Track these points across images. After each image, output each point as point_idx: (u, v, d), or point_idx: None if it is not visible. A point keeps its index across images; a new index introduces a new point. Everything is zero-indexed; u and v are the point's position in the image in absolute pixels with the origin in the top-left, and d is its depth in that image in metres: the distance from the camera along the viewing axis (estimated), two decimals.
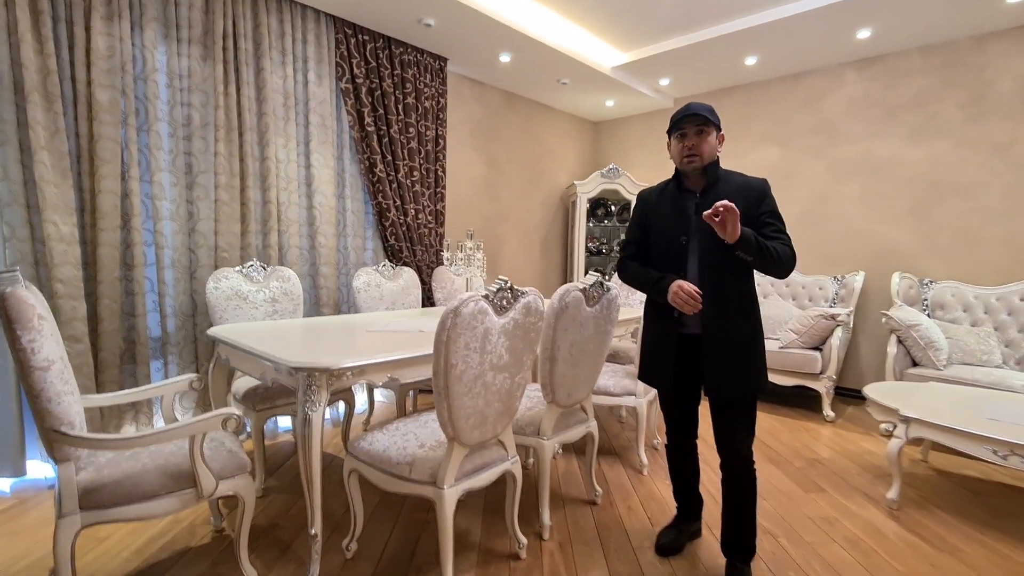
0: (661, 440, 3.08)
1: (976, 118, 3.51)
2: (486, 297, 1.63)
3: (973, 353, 3.16)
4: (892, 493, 2.35)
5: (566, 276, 5.65)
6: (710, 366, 1.69)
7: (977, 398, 2.50)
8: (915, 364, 3.23)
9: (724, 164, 5.25)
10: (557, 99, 5.10)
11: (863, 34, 3.55)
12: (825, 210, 4.18)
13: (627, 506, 2.35)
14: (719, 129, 1.73)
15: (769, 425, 3.43)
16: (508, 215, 4.99)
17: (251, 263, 2.73)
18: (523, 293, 1.76)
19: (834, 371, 3.45)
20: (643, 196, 1.93)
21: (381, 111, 3.62)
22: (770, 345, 3.74)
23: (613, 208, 5.52)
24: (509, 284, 1.71)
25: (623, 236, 1.97)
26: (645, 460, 2.69)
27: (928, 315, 3.46)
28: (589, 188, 5.18)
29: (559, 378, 2.08)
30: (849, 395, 4.05)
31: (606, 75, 4.36)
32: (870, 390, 2.64)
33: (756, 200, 1.69)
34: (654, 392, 2.84)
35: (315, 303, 3.39)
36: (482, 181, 4.71)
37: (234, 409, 1.62)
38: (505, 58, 4.05)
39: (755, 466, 1.73)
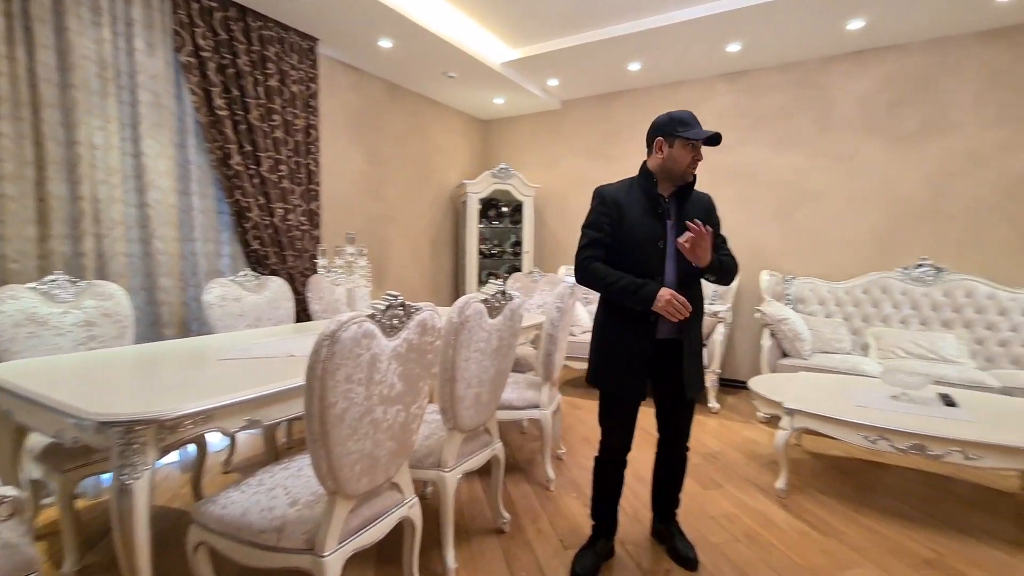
0: (565, 450, 2.97)
1: (825, 131, 3.92)
2: (372, 317, 1.33)
3: (829, 342, 3.50)
4: (780, 483, 2.46)
5: (458, 280, 5.41)
6: (688, 370, 1.76)
7: (842, 385, 2.72)
8: (785, 355, 3.49)
9: (614, 169, 5.27)
10: (444, 93, 4.83)
11: (732, 48, 3.78)
12: None
13: (537, 529, 2.18)
14: None
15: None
16: (395, 216, 4.61)
17: (54, 277, 2.10)
18: (417, 309, 1.49)
19: (718, 365, 3.62)
20: (610, 194, 1.75)
21: (236, 92, 3.08)
22: None
23: (505, 209, 5.39)
24: (400, 299, 1.42)
25: (586, 235, 1.76)
26: (552, 475, 2.55)
27: (792, 309, 3.79)
28: (480, 188, 4.99)
29: (461, 400, 1.84)
30: (728, 385, 4.32)
31: (495, 71, 4.19)
32: (755, 384, 2.76)
33: (709, 213, 1.79)
34: (558, 401, 2.72)
35: (152, 324, 2.76)
36: (363, 178, 4.28)
37: (9, 489, 1.14)
38: (385, 44, 3.69)
39: None
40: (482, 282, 5.33)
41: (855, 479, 2.65)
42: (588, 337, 3.98)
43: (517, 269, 5.36)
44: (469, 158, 5.55)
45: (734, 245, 4.14)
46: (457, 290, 5.43)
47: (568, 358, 3.86)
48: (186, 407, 1.32)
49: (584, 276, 1.75)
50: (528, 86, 4.61)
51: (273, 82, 3.30)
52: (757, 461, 2.86)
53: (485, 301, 1.88)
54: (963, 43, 3.47)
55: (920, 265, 3.56)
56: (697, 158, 1.67)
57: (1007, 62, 3.36)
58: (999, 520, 2.25)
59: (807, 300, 3.85)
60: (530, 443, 3.13)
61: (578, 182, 5.07)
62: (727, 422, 3.49)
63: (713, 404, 3.68)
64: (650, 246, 1.70)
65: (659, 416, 1.93)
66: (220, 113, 2.98)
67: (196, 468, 2.35)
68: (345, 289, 2.47)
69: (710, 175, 4.37)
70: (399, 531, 1.67)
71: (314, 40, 3.62)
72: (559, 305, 2.53)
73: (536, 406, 2.55)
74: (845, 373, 3.12)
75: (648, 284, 1.63)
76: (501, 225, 5.39)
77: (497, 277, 5.40)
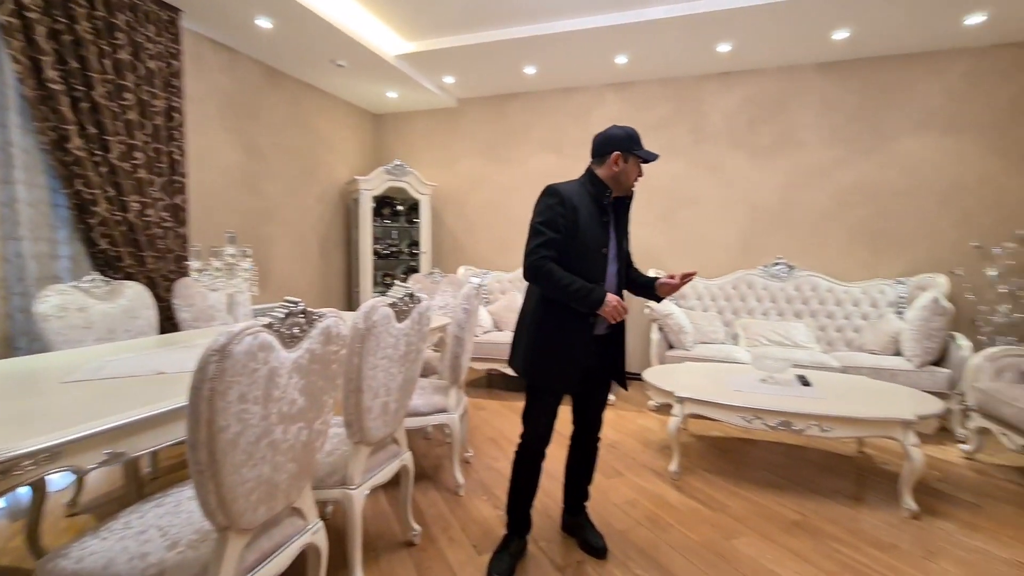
0: (472, 453, 2.93)
1: (699, 143, 4.33)
2: (269, 326, 1.18)
3: (707, 333, 3.87)
4: (673, 466, 2.65)
5: (351, 282, 5.12)
6: (621, 362, 1.95)
7: (720, 373, 3.01)
8: (671, 347, 3.79)
9: (510, 171, 5.31)
10: (333, 83, 4.53)
11: (620, 60, 4.01)
12: None
13: (448, 538, 2.12)
14: None
15: (564, 417, 3.61)
16: (276, 213, 4.23)
17: None
18: (319, 316, 1.36)
19: None
20: (565, 195, 1.73)
21: (75, 64, 2.60)
22: None
23: (400, 208, 5.21)
24: (301, 306, 1.29)
25: (541, 233, 1.73)
26: (461, 480, 2.50)
27: (676, 304, 4.11)
28: (374, 185, 4.76)
29: (368, 412, 1.72)
30: None
31: (389, 63, 4.02)
32: (648, 376, 2.95)
33: (628, 220, 1.91)
34: (465, 404, 2.67)
35: None
36: (238, 170, 3.87)
37: None
38: (264, 23, 3.36)
39: None
40: (377, 284, 5.10)
41: (732, 456, 2.94)
42: (491, 337, 3.99)
43: (414, 270, 5.21)
44: (360, 153, 5.27)
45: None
46: (351, 293, 5.14)
47: (472, 359, 3.82)
48: (23, 444, 1.07)
49: (537, 275, 1.72)
50: (424, 82, 4.50)
51: (124, 55, 2.84)
52: (651, 447, 3.06)
53: (392, 304, 1.78)
54: (806, 73, 4.03)
55: (776, 263, 4.08)
56: (640, 175, 1.82)
57: (839, 92, 3.96)
58: (843, 480, 2.63)
59: (687, 296, 4.22)
60: (435, 448, 3.04)
61: (475, 182, 5.06)
62: (622, 412, 3.70)
63: (609, 397, 3.87)
64: (596, 252, 1.76)
65: (577, 409, 2.02)
66: (53, 87, 2.49)
67: (32, 513, 1.94)
68: (224, 295, 2.19)
69: None
70: (302, 559, 1.52)
71: (175, 11, 3.18)
72: (465, 307, 2.48)
73: (444, 410, 2.48)
74: (721, 361, 3.46)
75: (596, 289, 1.69)
76: (397, 224, 5.20)
77: (393, 278, 5.20)
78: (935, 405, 2.36)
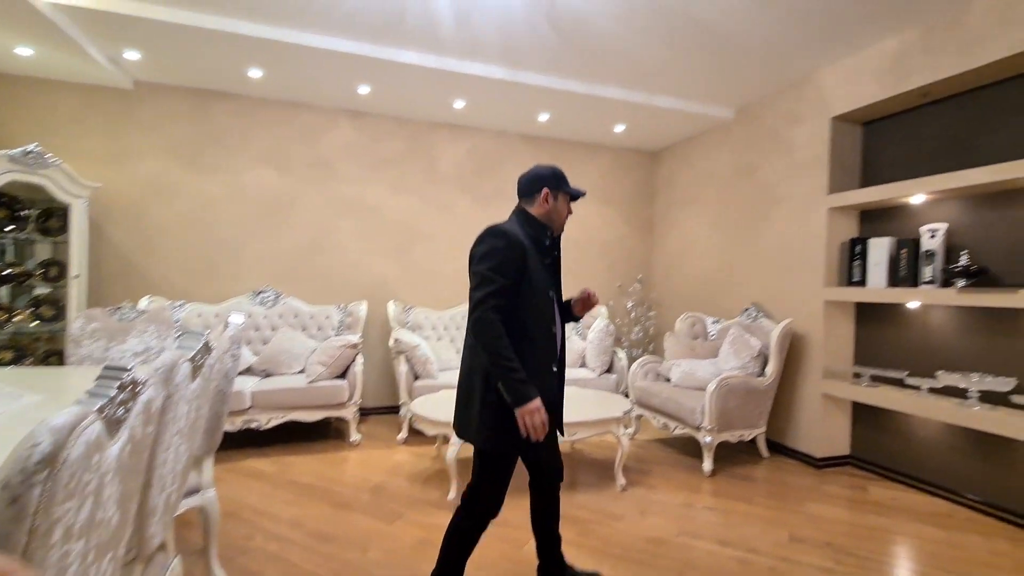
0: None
1: (431, 183, 4.63)
2: (101, 411, 0.77)
3: (445, 361, 4.13)
4: (452, 494, 2.74)
5: None
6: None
7: None
8: (417, 377, 3.88)
9: (215, 180, 4.61)
10: None
11: (362, 90, 3.96)
12: (327, 241, 4.36)
13: None
14: None
15: (309, 467, 3.21)
16: None
17: None
18: (142, 380, 0.94)
19: (359, 396, 3.64)
20: (518, 240, 1.63)
21: None
22: (297, 381, 3.52)
23: (27, 212, 3.61)
24: (133, 374, 0.87)
25: (491, 281, 1.56)
26: None
27: (419, 336, 4.24)
28: None
29: (152, 514, 1.22)
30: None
31: (35, 9, 2.82)
32: (418, 409, 2.97)
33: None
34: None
35: None
36: None
37: None
38: None
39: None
40: None
41: None
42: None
43: (53, 302, 3.69)
44: None
45: (358, 276, 4.36)
46: None
47: None
48: None
49: (485, 328, 1.54)
50: (91, 49, 3.33)
51: None
52: (417, 481, 3.06)
53: (192, 359, 1.32)
54: (514, 140, 4.89)
55: None
56: (570, 212, 1.81)
57: (537, 160, 4.96)
58: (568, 471, 3.25)
59: (424, 326, 4.41)
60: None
61: (163, 190, 4.00)
62: (372, 451, 3.54)
63: (355, 437, 3.66)
64: (546, 297, 1.68)
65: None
66: None
67: None
68: None
69: (328, 205, 4.37)
70: None
71: None
72: (234, 352, 1.99)
73: (197, 490, 1.91)
74: None
75: (530, 388, 1.53)
76: (22, 236, 3.58)
77: (11, 315, 3.54)
78: (628, 403, 3.22)
